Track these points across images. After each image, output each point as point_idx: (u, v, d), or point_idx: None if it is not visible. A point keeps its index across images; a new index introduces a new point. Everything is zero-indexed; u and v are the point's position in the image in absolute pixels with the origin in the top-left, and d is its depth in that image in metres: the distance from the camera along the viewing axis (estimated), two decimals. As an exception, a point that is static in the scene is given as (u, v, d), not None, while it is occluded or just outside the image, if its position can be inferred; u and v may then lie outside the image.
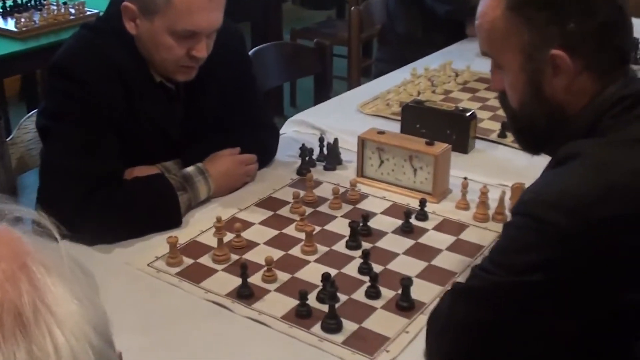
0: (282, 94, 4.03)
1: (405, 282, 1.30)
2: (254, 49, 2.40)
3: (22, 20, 2.74)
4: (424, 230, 1.56)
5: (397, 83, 2.38)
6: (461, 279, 1.39)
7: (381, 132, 1.75)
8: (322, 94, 2.67)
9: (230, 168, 1.67)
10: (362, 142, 1.74)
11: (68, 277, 0.59)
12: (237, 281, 1.37)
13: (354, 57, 3.16)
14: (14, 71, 3.20)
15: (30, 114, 1.88)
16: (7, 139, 1.80)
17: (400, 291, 1.34)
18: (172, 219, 1.56)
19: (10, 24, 2.77)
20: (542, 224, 1.03)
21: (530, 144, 1.26)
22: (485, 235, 1.55)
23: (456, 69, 2.51)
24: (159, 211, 1.55)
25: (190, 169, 1.62)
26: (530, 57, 1.14)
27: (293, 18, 5.37)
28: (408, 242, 1.52)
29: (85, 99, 1.53)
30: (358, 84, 3.23)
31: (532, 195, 1.09)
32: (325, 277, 1.32)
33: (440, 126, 1.92)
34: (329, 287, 1.25)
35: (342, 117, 2.13)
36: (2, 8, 2.92)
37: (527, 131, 1.23)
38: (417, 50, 2.88)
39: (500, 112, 2.16)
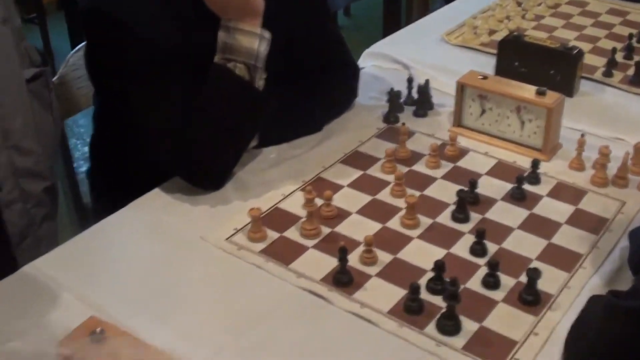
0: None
1: (532, 274, 1.11)
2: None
3: None
4: (537, 197, 1.36)
5: (481, 6, 2.12)
6: (589, 262, 1.20)
7: (483, 77, 1.52)
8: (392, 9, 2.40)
9: None
10: (461, 88, 1.51)
11: None
12: (331, 262, 1.19)
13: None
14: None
15: (76, 48, 1.66)
16: (54, 78, 1.59)
17: (521, 279, 1.15)
18: (249, 94, 1.36)
19: None
20: None
21: None
22: (608, 205, 1.34)
23: (545, -12, 2.24)
24: (232, 97, 1.35)
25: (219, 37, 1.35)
26: None
27: None
28: (522, 213, 1.31)
29: (135, 42, 1.32)
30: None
31: None
32: (439, 266, 1.13)
33: (543, 65, 1.68)
34: (450, 286, 1.05)
35: (426, 48, 1.89)
36: None
37: None
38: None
39: (602, 44, 1.93)
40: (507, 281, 1.16)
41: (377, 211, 1.31)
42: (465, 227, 1.27)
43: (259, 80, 1.35)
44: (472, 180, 1.33)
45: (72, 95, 1.67)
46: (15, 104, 1.33)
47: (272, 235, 1.25)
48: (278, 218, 1.29)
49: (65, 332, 1.03)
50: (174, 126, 1.32)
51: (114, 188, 1.53)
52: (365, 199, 1.34)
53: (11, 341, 1.04)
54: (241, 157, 1.40)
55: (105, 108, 1.53)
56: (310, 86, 1.51)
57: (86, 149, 2.84)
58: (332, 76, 1.55)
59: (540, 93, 1.45)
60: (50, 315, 1.09)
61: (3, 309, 1.11)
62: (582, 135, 1.44)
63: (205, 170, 1.34)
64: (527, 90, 1.47)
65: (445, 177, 1.40)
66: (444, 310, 1.08)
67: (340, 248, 1.14)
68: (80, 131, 2.99)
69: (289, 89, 1.47)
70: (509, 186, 1.37)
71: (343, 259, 1.14)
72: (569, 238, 1.26)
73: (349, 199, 1.34)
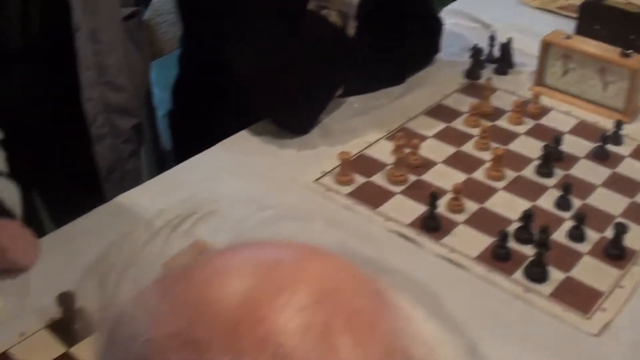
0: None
1: (620, 229, 1.13)
2: None
3: None
4: (619, 157, 1.36)
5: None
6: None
7: (568, 37, 1.52)
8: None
9: None
10: (546, 47, 1.52)
11: None
12: (418, 208, 1.21)
13: None
14: None
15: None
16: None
17: (606, 233, 1.17)
18: (342, 41, 1.37)
19: None
20: None
21: None
22: (691, 168, 1.35)
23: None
24: (325, 43, 1.37)
25: None
26: None
27: None
28: (604, 172, 1.32)
29: None
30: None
31: None
32: (528, 215, 1.15)
33: (623, 29, 1.67)
34: (540, 234, 1.08)
35: (504, 9, 1.89)
36: None
37: None
38: None
39: (682, 12, 1.90)
40: (592, 235, 1.17)
41: (462, 162, 1.33)
42: (549, 182, 1.29)
43: (350, 29, 1.37)
44: (556, 136, 1.34)
45: (156, 39, 1.71)
46: (112, 41, 1.37)
47: (359, 179, 1.28)
48: (364, 164, 1.32)
49: (166, 257, 1.06)
50: (267, 69, 1.34)
51: (196, 131, 1.56)
52: (450, 150, 1.36)
53: (114, 267, 1.08)
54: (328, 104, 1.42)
55: (193, 50, 1.56)
56: (394, 38, 1.52)
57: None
58: (416, 29, 1.56)
59: (625, 55, 1.45)
60: (148, 243, 1.13)
61: (98, 238, 1.13)
62: (667, 99, 1.44)
63: (295, 114, 1.37)
64: (612, 52, 1.47)
65: (528, 133, 1.42)
66: (532, 257, 1.10)
67: (431, 193, 1.17)
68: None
69: (374, 39, 1.49)
70: (590, 145, 1.38)
71: (433, 204, 1.17)
72: (652, 198, 1.27)
73: (434, 149, 1.36)
